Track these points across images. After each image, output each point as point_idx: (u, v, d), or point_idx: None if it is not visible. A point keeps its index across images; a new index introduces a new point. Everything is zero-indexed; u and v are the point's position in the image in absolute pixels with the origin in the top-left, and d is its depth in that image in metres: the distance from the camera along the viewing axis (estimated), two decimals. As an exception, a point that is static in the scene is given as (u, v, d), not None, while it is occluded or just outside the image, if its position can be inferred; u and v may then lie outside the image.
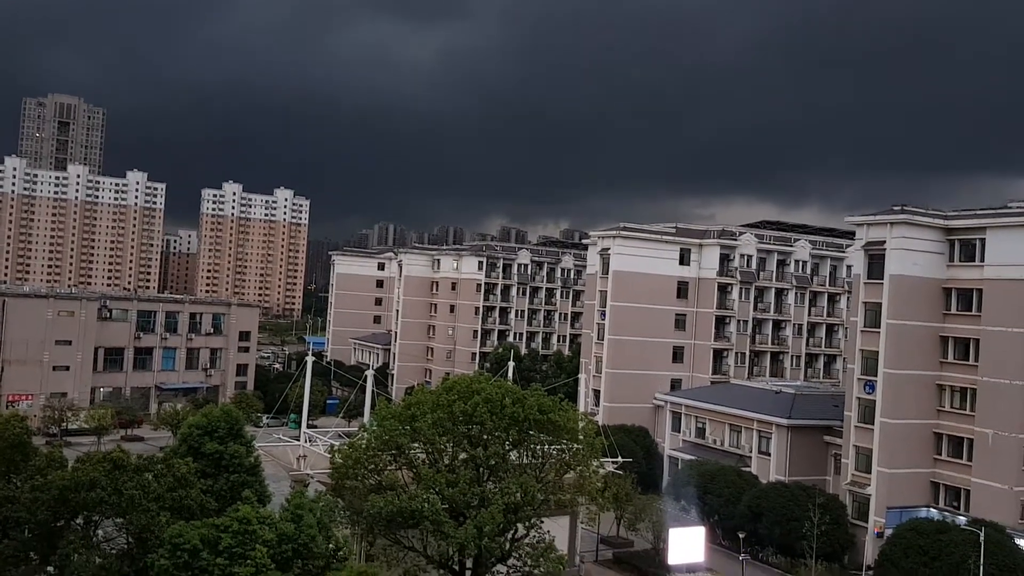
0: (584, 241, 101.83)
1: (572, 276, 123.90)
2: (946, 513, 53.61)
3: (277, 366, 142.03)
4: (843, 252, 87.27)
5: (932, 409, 56.42)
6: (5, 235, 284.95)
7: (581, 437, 43.25)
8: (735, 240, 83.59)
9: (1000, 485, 52.04)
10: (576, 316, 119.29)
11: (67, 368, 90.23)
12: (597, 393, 78.25)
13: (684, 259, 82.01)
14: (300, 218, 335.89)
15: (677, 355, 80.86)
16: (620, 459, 52.35)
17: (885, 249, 56.31)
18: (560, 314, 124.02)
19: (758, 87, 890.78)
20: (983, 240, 55.19)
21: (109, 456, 36.11)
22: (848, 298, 76.15)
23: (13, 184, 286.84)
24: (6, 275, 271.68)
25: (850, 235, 72.80)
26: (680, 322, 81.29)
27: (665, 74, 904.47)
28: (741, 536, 54.91)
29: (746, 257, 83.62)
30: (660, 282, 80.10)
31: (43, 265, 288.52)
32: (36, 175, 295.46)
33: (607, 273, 79.98)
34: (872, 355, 56.52)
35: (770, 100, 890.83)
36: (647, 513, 54.83)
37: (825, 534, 50.26)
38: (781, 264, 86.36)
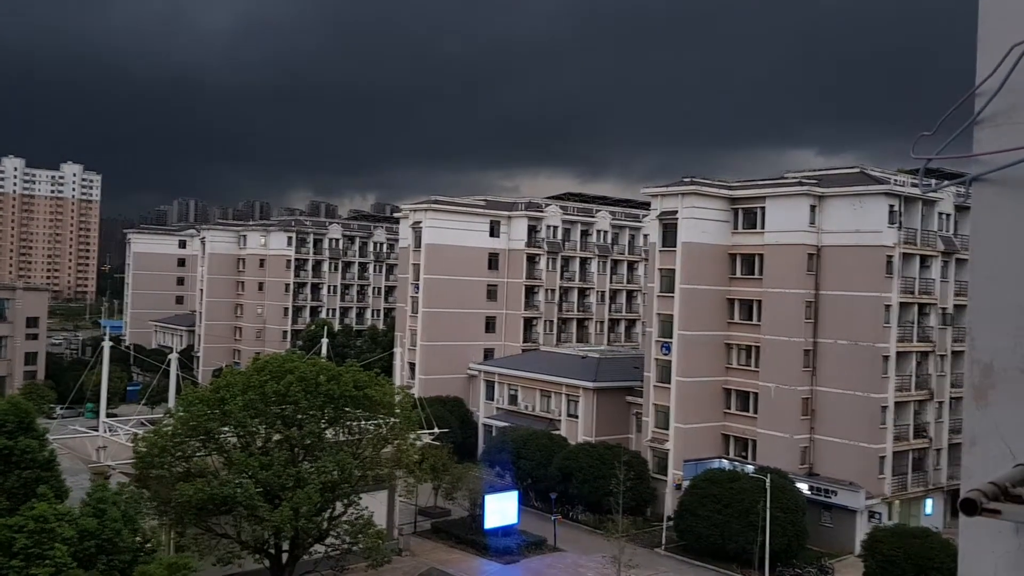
0: (396, 215, 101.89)
1: (384, 250, 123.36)
2: (736, 463, 58.53)
3: (71, 352, 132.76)
4: (640, 222, 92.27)
5: (722, 367, 61.31)
6: None
7: (398, 411, 43.89)
8: (542, 212, 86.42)
9: (782, 434, 57.47)
10: (390, 290, 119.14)
11: None
12: (412, 366, 78.95)
13: (494, 231, 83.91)
14: (91, 194, 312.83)
15: (489, 325, 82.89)
16: (437, 430, 53.25)
17: (677, 219, 60.27)
18: (374, 288, 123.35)
19: (559, 61, 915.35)
20: (763, 208, 60.24)
21: None
22: (645, 265, 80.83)
23: None
24: None
25: (646, 206, 77.17)
26: (492, 293, 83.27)
27: (470, 46, 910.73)
28: (553, 497, 57.62)
29: (552, 228, 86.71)
30: (472, 254, 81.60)
31: None
32: None
33: (420, 246, 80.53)
34: (668, 318, 60.54)
35: (571, 74, 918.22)
36: (464, 482, 56.25)
37: (630, 490, 53.55)
38: (584, 234, 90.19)
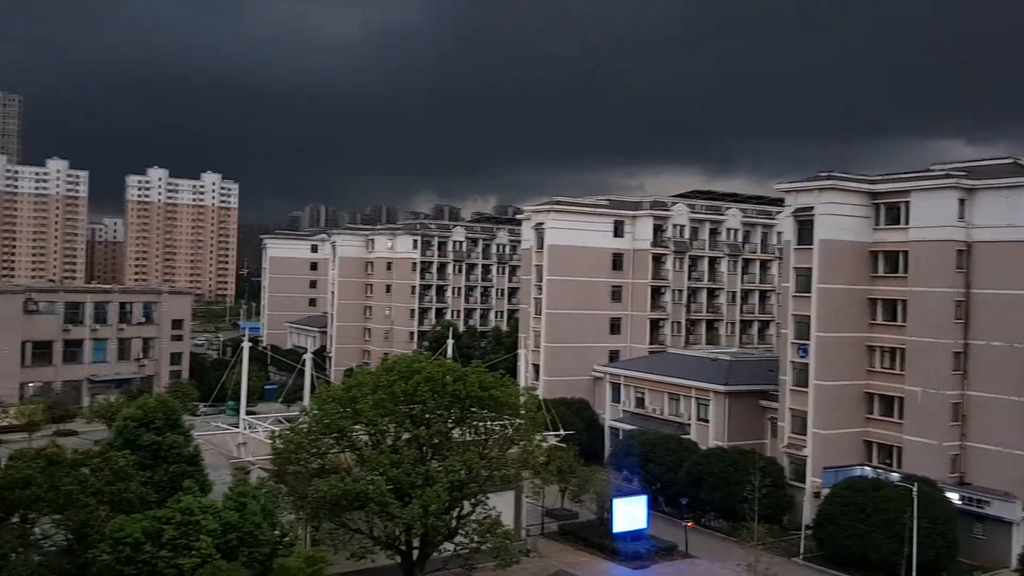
0: (518, 216, 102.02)
1: (507, 251, 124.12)
2: (879, 470, 55.44)
3: (212, 353, 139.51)
4: (773, 219, 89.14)
5: (863, 370, 58.24)
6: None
7: (523, 412, 43.63)
8: (667, 210, 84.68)
9: (930, 441, 54.07)
10: (513, 291, 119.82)
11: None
12: (537, 367, 78.77)
13: (618, 231, 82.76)
14: (229, 202, 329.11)
15: (614, 327, 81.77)
16: (562, 432, 52.79)
17: (813, 215, 57.66)
18: (497, 290, 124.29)
19: (685, 53, 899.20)
20: (907, 203, 56.87)
21: (43, 452, 35.23)
22: (779, 264, 77.89)
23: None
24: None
25: (779, 202, 74.36)
26: (616, 294, 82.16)
27: (588, 42, 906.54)
28: (684, 502, 56.15)
29: (679, 227, 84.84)
30: (595, 255, 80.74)
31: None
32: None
33: (542, 247, 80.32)
34: (804, 319, 58.01)
35: (697, 66, 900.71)
36: (591, 484, 55.56)
37: (765, 497, 51.61)
38: (713, 233, 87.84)
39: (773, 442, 61.75)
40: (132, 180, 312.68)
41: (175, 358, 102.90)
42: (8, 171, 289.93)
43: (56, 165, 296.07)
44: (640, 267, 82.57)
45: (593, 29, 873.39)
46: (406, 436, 40.44)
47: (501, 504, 43.39)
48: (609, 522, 52.48)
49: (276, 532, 34.64)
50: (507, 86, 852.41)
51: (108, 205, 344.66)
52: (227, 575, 29.42)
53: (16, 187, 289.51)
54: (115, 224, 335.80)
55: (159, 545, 29.82)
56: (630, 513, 52.28)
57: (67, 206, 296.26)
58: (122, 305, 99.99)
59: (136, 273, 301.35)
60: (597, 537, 53.05)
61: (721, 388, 64.57)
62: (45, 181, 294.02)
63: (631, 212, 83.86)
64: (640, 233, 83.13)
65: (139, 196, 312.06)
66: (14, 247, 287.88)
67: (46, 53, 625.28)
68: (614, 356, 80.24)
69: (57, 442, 38.65)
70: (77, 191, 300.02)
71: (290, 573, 32.40)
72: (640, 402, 71.98)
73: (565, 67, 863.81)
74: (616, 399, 74.07)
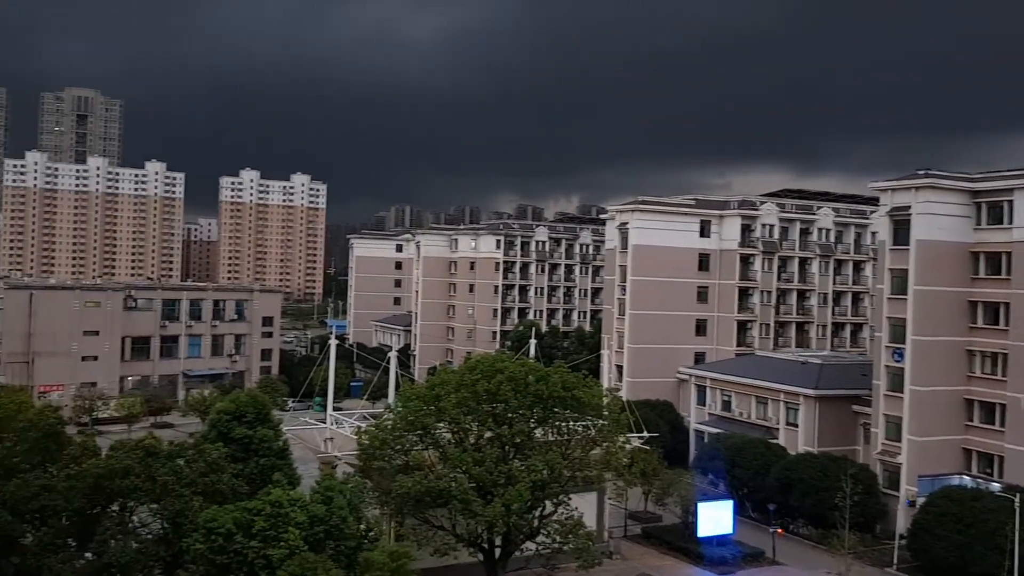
0: (602, 216, 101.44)
1: (591, 251, 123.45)
2: (979, 480, 53.10)
3: (300, 350, 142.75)
4: (867, 219, 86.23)
5: (962, 375, 55.77)
6: (29, 229, 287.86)
7: (606, 413, 43.34)
8: (756, 210, 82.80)
9: (1033, 450, 51.47)
10: (596, 292, 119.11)
11: (95, 358, 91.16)
12: (620, 368, 78.04)
13: (704, 231, 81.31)
14: (317, 202, 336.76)
15: (700, 328, 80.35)
16: (646, 434, 52.20)
17: (910, 214, 55.51)
18: (580, 290, 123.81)
19: (773, 48, 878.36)
20: (1011, 202, 54.21)
21: (141, 443, 36.50)
22: (874, 265, 75.37)
23: (35, 178, 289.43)
24: (32, 269, 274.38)
25: (874, 201, 71.91)
26: (702, 294, 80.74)
27: (678, 41, 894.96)
28: (771, 508, 54.81)
29: (768, 227, 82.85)
30: (681, 255, 79.51)
31: (67, 257, 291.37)
32: (57, 168, 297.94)
33: (626, 247, 79.54)
34: (900, 322, 55.90)
35: (784, 62, 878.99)
36: (675, 487, 54.79)
37: (857, 504, 49.87)
38: (804, 233, 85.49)
39: (866, 448, 59.73)
40: (225, 181, 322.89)
41: (265, 354, 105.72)
42: (110, 173, 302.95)
43: (154, 167, 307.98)
44: (727, 268, 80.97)
45: (681, 26, 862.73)
46: (488, 435, 40.58)
47: (583, 505, 43.20)
48: (694, 526, 51.67)
49: (362, 526, 35.07)
50: (592, 85, 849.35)
51: (203, 206, 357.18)
52: (314, 567, 29.84)
53: (117, 188, 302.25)
54: (209, 224, 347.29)
55: (250, 536, 30.47)
56: (715, 517, 51.33)
57: (164, 206, 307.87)
58: (216, 303, 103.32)
59: (229, 272, 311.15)
60: (681, 541, 52.24)
61: (811, 392, 62.78)
62: (144, 182, 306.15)
63: (718, 212, 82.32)
64: (727, 233, 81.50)
65: (232, 197, 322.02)
66: (115, 246, 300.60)
67: (145, 60, 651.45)
68: (700, 358, 78.89)
69: (154, 434, 40.00)
70: (174, 192, 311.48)
71: (375, 567, 32.73)
72: (727, 405, 70.58)
73: (651, 66, 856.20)
74: (702, 402, 72.84)
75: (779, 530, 53.28)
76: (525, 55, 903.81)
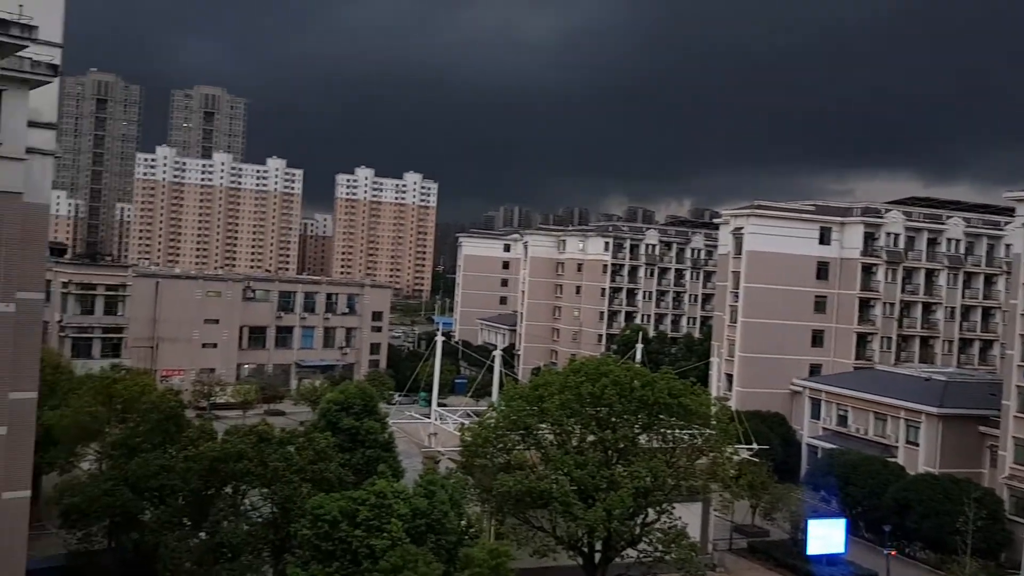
0: (715, 220, 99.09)
1: (702, 256, 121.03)
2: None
3: (408, 345, 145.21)
4: (1001, 230, 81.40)
5: (1104, 400, 51.90)
6: (157, 220, 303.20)
7: (714, 422, 42.25)
8: (880, 218, 79.24)
9: None
10: (707, 298, 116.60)
11: (215, 345, 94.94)
12: (730, 377, 76.08)
13: (824, 238, 78.42)
14: (428, 201, 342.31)
15: (816, 339, 77.52)
16: (755, 446, 50.78)
17: (1051, 226, 52.00)
18: (690, 295, 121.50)
19: (896, 49, 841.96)
20: None
21: (255, 429, 37.57)
22: (1007, 279, 70.97)
23: (164, 172, 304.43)
24: (159, 258, 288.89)
25: (1008, 211, 67.71)
26: (820, 304, 77.87)
27: (793, 39, 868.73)
28: (886, 529, 52.24)
29: (893, 235, 79.17)
30: (798, 262, 76.89)
31: (192, 248, 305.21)
32: (184, 163, 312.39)
33: (740, 253, 77.50)
34: (1035, 341, 52.42)
35: (911, 63, 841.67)
36: (784, 502, 52.98)
37: (980, 530, 47.02)
38: (931, 243, 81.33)
39: (992, 472, 56.38)
40: (341, 179, 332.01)
41: (374, 348, 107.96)
42: (233, 168, 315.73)
43: (275, 164, 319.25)
44: (848, 277, 77.80)
45: (800, 25, 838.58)
46: (591, 438, 40.13)
47: (687, 515, 42.13)
48: (803, 543, 49.73)
49: (462, 522, 35.14)
50: (707, 87, 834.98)
51: (319, 202, 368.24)
52: (415, 559, 29.99)
53: (239, 183, 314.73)
54: (325, 220, 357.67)
55: (354, 525, 30.88)
56: (826, 535, 49.26)
57: (283, 202, 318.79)
58: (329, 296, 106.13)
59: (342, 266, 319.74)
60: (789, 558, 50.38)
61: (934, 410, 59.59)
62: (265, 178, 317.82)
63: (839, 218, 79.21)
64: (849, 241, 78.32)
65: (347, 194, 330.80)
66: (236, 238, 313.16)
67: (269, 60, 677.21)
68: (815, 370, 76.13)
69: (267, 421, 41.14)
70: (292, 188, 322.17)
71: (474, 564, 32.64)
72: (842, 420, 67.81)
73: (770, 68, 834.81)
74: (816, 415, 70.21)
75: (893, 552, 50.71)
76: (638, 56, 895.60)
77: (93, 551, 38.47)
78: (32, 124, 25.87)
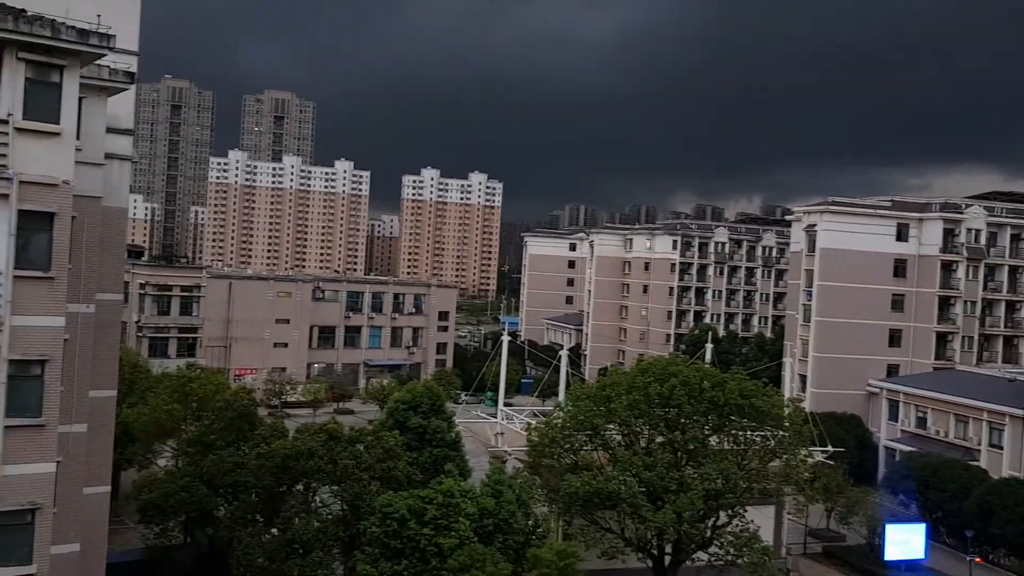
0: (787, 217, 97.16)
1: (774, 254, 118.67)
2: None
3: (474, 345, 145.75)
4: (1091, 226, 77.91)
5: None
6: (230, 223, 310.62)
7: (787, 424, 41.25)
8: (961, 213, 76.48)
9: None
10: (779, 296, 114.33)
11: (286, 345, 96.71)
12: (803, 378, 74.36)
13: (901, 235, 76.07)
14: (494, 200, 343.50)
15: (894, 339, 75.24)
16: (830, 448, 49.57)
17: None
18: (761, 294, 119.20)
19: (972, 41, 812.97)
20: None
21: (325, 428, 37.99)
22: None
23: (236, 175, 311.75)
24: (232, 259, 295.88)
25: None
26: (897, 303, 75.56)
27: (864, 35, 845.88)
28: (969, 535, 50.31)
29: (974, 232, 76.35)
30: (874, 260, 74.74)
31: (263, 249, 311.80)
32: (256, 166, 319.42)
33: (814, 251, 75.67)
34: None
35: (988, 55, 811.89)
36: (861, 506, 51.48)
37: (1070, 538, 45.00)
38: (1015, 239, 78.16)
39: (1084, 479, 53.72)
40: (407, 180, 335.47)
41: (440, 347, 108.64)
42: (302, 171, 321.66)
43: (343, 166, 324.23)
44: (926, 275, 75.32)
45: (873, 20, 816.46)
46: (660, 439, 39.59)
47: (760, 518, 41.23)
48: (880, 548, 48.33)
49: (530, 522, 34.99)
50: (775, 82, 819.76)
51: (386, 203, 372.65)
52: (483, 558, 29.95)
53: (308, 185, 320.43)
54: (391, 220, 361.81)
55: (422, 523, 30.99)
56: (905, 541, 47.80)
57: (351, 203, 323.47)
58: (395, 296, 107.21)
59: (408, 267, 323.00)
60: (866, 563, 49.03)
61: (1020, 412, 57.23)
62: (333, 180, 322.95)
63: (917, 214, 76.74)
64: (927, 237, 75.82)
65: (413, 195, 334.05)
66: (306, 240, 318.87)
67: (336, 64, 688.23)
68: (892, 371, 73.90)
69: (336, 419, 41.58)
70: (360, 190, 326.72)
71: (542, 564, 32.46)
72: (921, 422, 65.65)
73: (843, 60, 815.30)
74: (893, 417, 68.12)
75: (977, 558, 48.82)
76: (705, 52, 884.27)
77: (170, 546, 39.45)
78: (110, 130, 26.53)
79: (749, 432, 40.44)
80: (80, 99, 21.09)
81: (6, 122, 18.96)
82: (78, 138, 20.97)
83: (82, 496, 25.65)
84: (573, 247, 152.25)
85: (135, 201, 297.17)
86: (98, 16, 21.14)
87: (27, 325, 19.32)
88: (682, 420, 38.99)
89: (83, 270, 24.65)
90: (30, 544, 19.69)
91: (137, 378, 50.41)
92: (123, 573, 35.33)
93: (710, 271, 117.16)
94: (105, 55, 20.73)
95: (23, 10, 19.29)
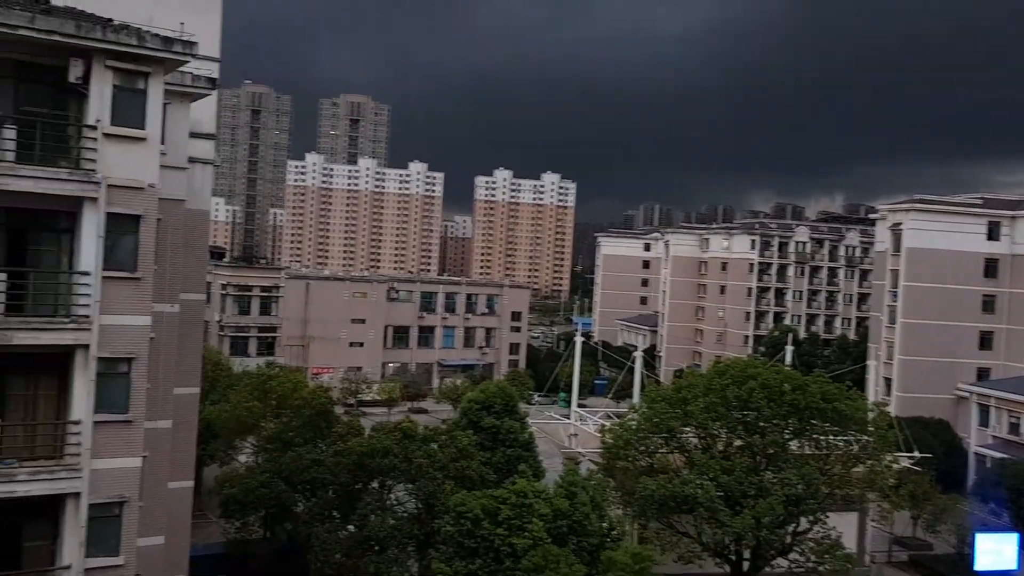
0: (871, 216, 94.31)
1: (857, 254, 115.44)
2: None
3: (546, 345, 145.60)
4: None
5: None
6: (307, 224, 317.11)
7: (871, 428, 40.04)
8: (1056, 210, 73.25)
9: None
10: (863, 297, 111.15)
11: (361, 344, 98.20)
12: (888, 381, 72.14)
13: (993, 233, 73.25)
14: (566, 201, 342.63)
15: (985, 341, 72.53)
16: (917, 454, 47.97)
17: None
18: (844, 295, 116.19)
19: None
20: None
21: (399, 426, 38.34)
22: None
23: (313, 178, 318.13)
24: (309, 260, 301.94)
25: None
26: (988, 304, 72.78)
27: (951, 25, 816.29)
28: (1067, 548, 48.04)
29: (1071, 229, 73.06)
30: (963, 259, 72.10)
31: (339, 251, 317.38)
32: (332, 169, 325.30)
33: (899, 250, 73.39)
34: None
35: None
36: (949, 514, 49.64)
37: None
38: (1117, 235, 74.48)
39: None
40: (480, 181, 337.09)
41: (513, 348, 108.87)
42: (377, 173, 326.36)
43: (416, 167, 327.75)
44: (1020, 275, 72.30)
45: (955, 13, 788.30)
46: (738, 443, 38.81)
47: (842, 525, 40.07)
48: (970, 558, 46.38)
49: (604, 525, 34.66)
50: (855, 77, 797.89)
51: (459, 204, 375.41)
52: (557, 560, 29.75)
53: (383, 187, 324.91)
54: (464, 221, 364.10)
55: (496, 523, 30.94)
56: (997, 551, 45.66)
57: (425, 204, 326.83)
58: (469, 296, 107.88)
59: (481, 267, 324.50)
60: (955, 573, 47.18)
61: (1121, 419, 54.39)
62: (407, 182, 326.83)
63: (1010, 212, 73.77)
64: (1021, 236, 72.77)
65: (485, 196, 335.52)
66: (380, 241, 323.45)
67: (410, 67, 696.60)
68: (983, 374, 71.27)
69: (411, 418, 41.94)
70: (434, 191, 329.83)
71: (617, 567, 32.10)
72: (1014, 428, 62.99)
73: (923, 55, 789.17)
74: (984, 423, 65.52)
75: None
76: (780, 47, 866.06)
77: (250, 540, 40.30)
78: (193, 135, 27.24)
79: (831, 436, 39.39)
80: (164, 105, 21.63)
81: (95, 128, 19.54)
82: (162, 143, 21.54)
83: (167, 490, 26.39)
84: (648, 247, 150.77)
85: (217, 204, 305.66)
86: (181, 24, 21.66)
87: (115, 324, 19.87)
88: (761, 424, 38.17)
89: (168, 271, 25.33)
90: (118, 536, 20.25)
91: (219, 376, 51.70)
92: (205, 566, 36.25)
93: (790, 271, 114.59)
94: (188, 62, 21.21)
95: (110, 20, 19.87)
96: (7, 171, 18.60)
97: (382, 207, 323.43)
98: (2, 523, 19.51)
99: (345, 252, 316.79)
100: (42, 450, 19.66)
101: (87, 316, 19.35)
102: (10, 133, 18.90)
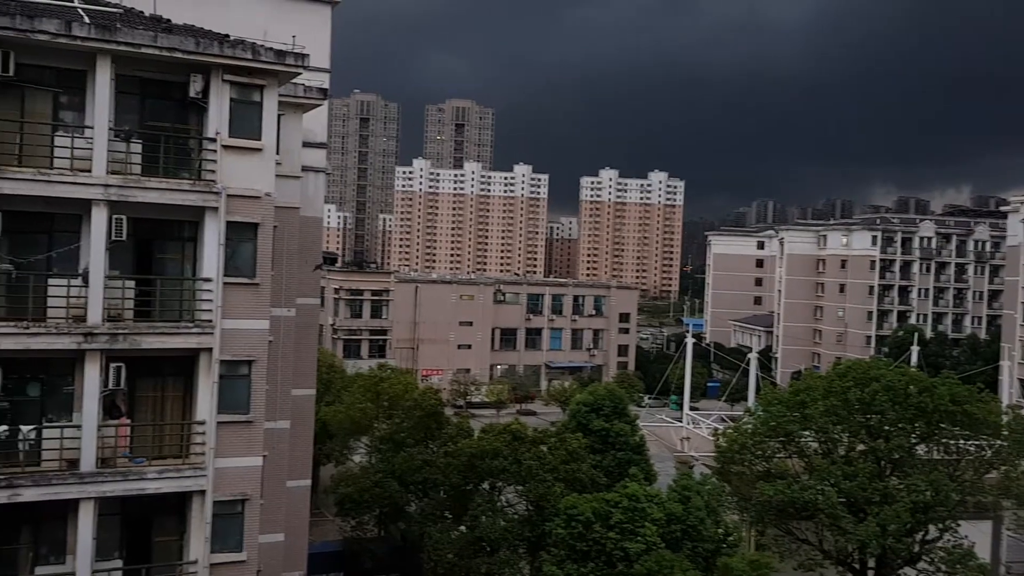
0: (1002, 208, 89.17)
1: (988, 248, 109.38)
2: None
3: (656, 347, 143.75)
4: None
5: None
6: (415, 229, 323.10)
7: (1005, 432, 37.80)
8: None
9: None
10: (994, 294, 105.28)
11: (469, 347, 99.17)
12: (1023, 383, 67.98)
13: None
14: (674, 199, 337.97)
15: None
16: (1057, 460, 44.65)
17: None
18: (974, 292, 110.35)
19: None
20: None
21: (509, 428, 38.40)
22: None
23: (420, 183, 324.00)
24: (417, 264, 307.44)
25: None
26: None
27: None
28: None
29: None
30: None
31: (446, 254, 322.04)
32: (438, 174, 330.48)
33: (1033, 243, 69.15)
34: None
35: None
36: (1093, 525, 46.19)
37: None
38: None
39: None
40: (585, 181, 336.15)
41: (622, 350, 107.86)
42: (483, 176, 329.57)
43: (521, 170, 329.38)
44: None
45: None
46: (861, 448, 37.35)
47: (975, 534, 38.05)
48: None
49: (720, 530, 33.88)
50: (982, 65, 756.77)
51: (564, 205, 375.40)
52: (671, 565, 29.20)
53: (488, 190, 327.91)
54: (570, 222, 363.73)
55: (607, 527, 30.65)
56: None
57: (530, 206, 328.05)
58: (575, 298, 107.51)
59: (588, 268, 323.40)
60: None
61: None
62: (512, 184, 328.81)
63: None
64: None
65: (591, 196, 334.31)
66: (486, 243, 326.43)
67: (513, 70, 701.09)
68: None
69: (520, 420, 41.95)
70: (539, 193, 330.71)
71: (734, 573, 31.32)
72: None
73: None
74: None
75: None
76: (900, 31, 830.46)
77: (365, 538, 41.19)
78: (306, 144, 28.01)
79: (962, 441, 37.42)
80: (279, 116, 22.26)
81: (214, 140, 20.28)
82: (277, 153, 22.17)
83: (286, 489, 27.18)
84: (761, 245, 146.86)
85: (329, 210, 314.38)
86: (293, 37, 22.26)
87: (235, 328, 20.57)
88: (885, 427, 36.74)
89: (284, 276, 26.10)
90: (240, 533, 20.94)
91: (333, 378, 53.06)
92: (323, 562, 37.25)
93: (915, 268, 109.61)
94: (300, 74, 21.75)
95: (227, 35, 20.60)
96: (135, 183, 19.50)
97: (488, 210, 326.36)
98: (134, 519, 20.46)
99: (452, 255, 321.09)
100: (169, 449, 20.52)
101: (210, 321, 20.10)
102: (136, 147, 19.80)
